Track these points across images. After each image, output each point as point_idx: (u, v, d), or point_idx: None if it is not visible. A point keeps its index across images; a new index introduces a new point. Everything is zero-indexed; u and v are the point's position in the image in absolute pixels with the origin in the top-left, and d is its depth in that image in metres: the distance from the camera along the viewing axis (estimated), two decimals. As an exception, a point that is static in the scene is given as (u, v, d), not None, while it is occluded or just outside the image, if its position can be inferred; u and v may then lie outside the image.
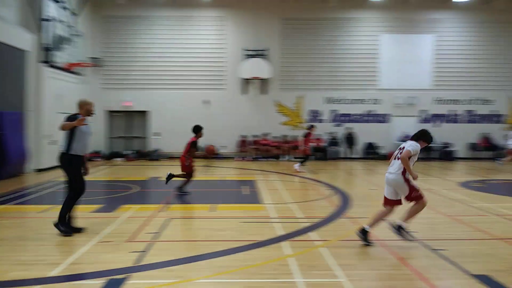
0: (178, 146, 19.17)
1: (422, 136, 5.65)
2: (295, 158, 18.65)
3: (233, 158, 18.58)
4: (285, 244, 5.51)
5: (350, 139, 19.05)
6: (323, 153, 18.84)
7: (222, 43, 19.18)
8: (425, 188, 10.60)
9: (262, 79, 18.77)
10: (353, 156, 19.05)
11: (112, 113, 19.01)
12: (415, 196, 5.44)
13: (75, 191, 5.90)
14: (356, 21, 19.39)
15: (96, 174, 13.20)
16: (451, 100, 19.56)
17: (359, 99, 19.47)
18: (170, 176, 9.30)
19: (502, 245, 5.60)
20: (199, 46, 19.06)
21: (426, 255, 5.15)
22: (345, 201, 8.67)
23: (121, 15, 18.86)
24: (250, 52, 18.79)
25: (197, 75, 19.05)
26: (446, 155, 18.90)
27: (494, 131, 19.34)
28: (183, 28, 19.07)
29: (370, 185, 11.47)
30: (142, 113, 18.96)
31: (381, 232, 6.14)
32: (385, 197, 5.63)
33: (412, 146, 5.43)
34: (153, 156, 18.42)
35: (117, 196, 9.63)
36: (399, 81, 19.34)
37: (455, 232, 6.36)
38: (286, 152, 18.66)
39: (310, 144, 14.61)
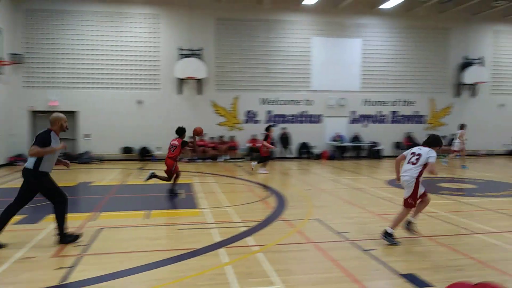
0: (110, 148, 18.65)
1: (435, 142, 5.99)
2: (231, 158, 18.69)
3: (169, 159, 18.16)
4: (222, 251, 5.45)
5: (285, 139, 19.44)
6: (259, 153, 19.00)
7: (155, 42, 18.67)
8: (355, 187, 11.14)
9: (197, 79, 18.56)
10: (288, 156, 19.48)
11: (36, 114, 17.76)
12: (409, 203, 5.86)
13: (60, 202, 5.70)
14: (290, 23, 19.80)
15: (18, 180, 12.22)
16: (378, 101, 20.68)
17: (293, 100, 19.93)
18: (152, 175, 9.49)
19: (427, 243, 5.97)
20: (132, 44, 18.40)
21: (357, 256, 5.35)
22: (281, 203, 8.80)
23: (45, 9, 17.65)
24: (185, 52, 18.49)
25: (130, 74, 18.39)
26: (373, 153, 19.95)
27: (417, 130, 20.79)
28: (114, 24, 18.28)
29: (305, 185, 11.76)
30: (71, 114, 17.92)
31: (315, 235, 6.31)
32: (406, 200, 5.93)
33: (432, 154, 5.77)
34: (83, 159, 17.49)
35: (42, 205, 8.95)
36: (331, 83, 20.07)
37: (383, 231, 6.67)
38: (223, 152, 18.62)
39: (269, 144, 14.45)
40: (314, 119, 20.08)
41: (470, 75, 20.63)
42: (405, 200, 5.89)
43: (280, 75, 19.75)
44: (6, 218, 5.61)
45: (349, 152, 20.17)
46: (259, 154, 14.44)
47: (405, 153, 6.16)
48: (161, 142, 18.29)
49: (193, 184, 11.41)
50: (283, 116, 19.84)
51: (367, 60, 20.46)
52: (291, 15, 19.77)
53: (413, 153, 5.96)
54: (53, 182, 5.75)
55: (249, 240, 6.06)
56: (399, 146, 20.58)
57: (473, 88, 21.35)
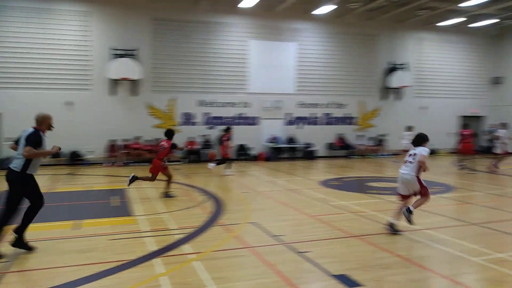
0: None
1: (423, 140, 6.78)
2: (169, 161, 18.29)
3: (102, 163, 17.42)
4: (157, 261, 5.34)
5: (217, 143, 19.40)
6: (196, 155, 18.86)
7: (86, 41, 17.78)
8: (291, 189, 11.41)
9: (132, 80, 17.97)
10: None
11: (-52, 116, 16.20)
12: (424, 192, 6.67)
13: (36, 206, 5.71)
14: (227, 25, 19.82)
15: None
16: (311, 104, 21.34)
17: (230, 102, 19.98)
18: (134, 178, 9.72)
19: (357, 243, 6.27)
20: (60, 43, 17.36)
21: (293, 259, 5.49)
22: (219, 207, 8.80)
23: (-42, 1, 16.15)
24: (119, 52, 17.82)
25: (58, 74, 17.34)
26: (308, 154, 20.57)
27: (348, 132, 21.76)
28: (41, 21, 17.11)
29: (243, 188, 11.84)
30: (-11, 116, 16.57)
31: (252, 239, 6.38)
32: (401, 194, 6.89)
33: (425, 150, 6.61)
34: (5, 165, 16.20)
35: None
36: (267, 86, 20.40)
37: (317, 232, 6.91)
38: (159, 155, 18.18)
39: (228, 146, 14.73)
40: (251, 121, 20.27)
41: (395, 80, 21.96)
42: (419, 193, 6.68)
43: (217, 77, 19.71)
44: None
45: (285, 153, 20.62)
46: (221, 156, 14.82)
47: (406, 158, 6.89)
48: (93, 145, 17.54)
49: (127, 190, 11.04)
50: (220, 118, 19.81)
51: (302, 63, 21.05)
52: (228, 18, 19.80)
53: (410, 155, 6.77)
54: (37, 185, 5.75)
55: (186, 248, 5.99)
56: (332, 147, 21.41)
57: (398, 91, 22.75)
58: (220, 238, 6.55)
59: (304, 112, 21.23)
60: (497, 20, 22.25)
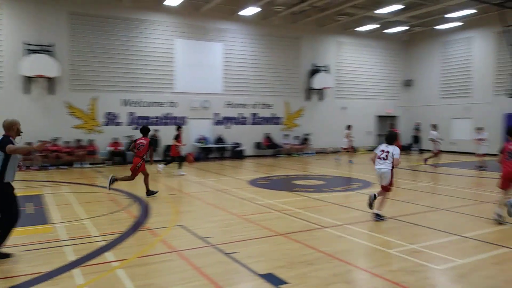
0: None
1: (394, 139, 7.98)
2: (91, 164, 17.43)
3: (14, 168, 16.07)
4: (76, 272, 5.05)
5: (153, 142, 18.83)
6: (121, 157, 18.14)
7: (-6, 34, 16.34)
8: (219, 189, 11.42)
9: (48, 78, 16.82)
10: (155, 159, 18.93)
11: None
12: (389, 187, 7.86)
13: (11, 220, 5.43)
14: (151, 23, 19.30)
15: None
16: (239, 104, 21.54)
17: (157, 102, 19.51)
18: (113, 180, 9.86)
19: (283, 241, 6.44)
20: (-38, 35, 15.76)
21: (220, 261, 5.50)
22: (145, 211, 8.55)
23: None
24: (33, 47, 16.59)
25: (-40, 69, 15.74)
26: (236, 154, 20.73)
27: (274, 131, 22.29)
28: None
29: (169, 189, 11.62)
30: None
31: (179, 242, 6.29)
32: (382, 185, 7.91)
33: (397, 151, 7.70)
34: None
35: None
36: (194, 85, 20.22)
37: (245, 232, 6.98)
38: (81, 158, 17.23)
39: (180, 145, 14.69)
40: (179, 121, 19.94)
41: (317, 81, 22.90)
42: (385, 186, 7.82)
43: (142, 76, 19.11)
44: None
45: (213, 153, 20.59)
46: (171, 155, 15.06)
47: (375, 151, 8.02)
48: (4, 148, 16.13)
49: (43, 196, 10.32)
50: (147, 118, 19.25)
51: (229, 64, 21.14)
52: (152, 15, 19.28)
53: (382, 151, 7.81)
54: (16, 198, 5.55)
55: (109, 255, 5.73)
56: (259, 146, 21.77)
57: (321, 92, 23.74)
58: (146, 243, 6.37)
59: (232, 112, 21.36)
60: (407, 27, 24.12)
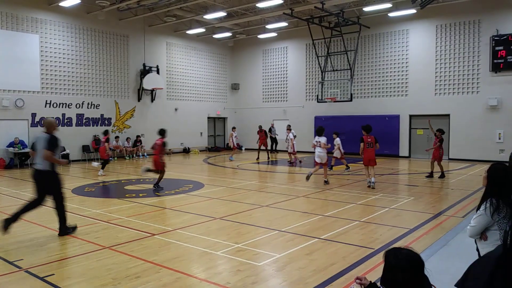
0: None
1: (323, 131, 12.30)
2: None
3: None
4: None
5: None
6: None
7: None
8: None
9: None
10: None
11: None
12: (326, 163, 12.59)
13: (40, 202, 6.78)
14: None
15: None
16: (62, 103, 19.61)
17: (-48, 101, 16.28)
18: (147, 169, 11.63)
19: (108, 254, 6.05)
20: None
21: (34, 287, 4.91)
22: None
23: None
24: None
25: None
26: (63, 158, 18.79)
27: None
28: None
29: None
30: None
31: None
32: (317, 162, 12.35)
33: (324, 139, 12.20)
34: None
35: None
36: (5, 82, 17.59)
37: (64, 250, 6.36)
38: None
39: (108, 148, 15.50)
40: (-17, 123, 17.06)
41: (148, 81, 22.44)
42: (324, 164, 12.43)
43: None
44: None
45: (31, 158, 18.23)
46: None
47: (313, 141, 12.40)
48: None
49: None
50: None
51: (48, 59, 19.03)
52: None
53: (317, 142, 12.20)
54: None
55: None
56: (88, 149, 20.22)
57: (152, 93, 23.35)
58: None
59: (55, 113, 19.29)
60: (231, 34, 25.61)
